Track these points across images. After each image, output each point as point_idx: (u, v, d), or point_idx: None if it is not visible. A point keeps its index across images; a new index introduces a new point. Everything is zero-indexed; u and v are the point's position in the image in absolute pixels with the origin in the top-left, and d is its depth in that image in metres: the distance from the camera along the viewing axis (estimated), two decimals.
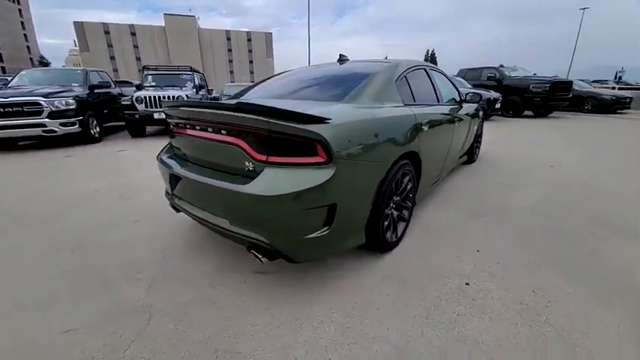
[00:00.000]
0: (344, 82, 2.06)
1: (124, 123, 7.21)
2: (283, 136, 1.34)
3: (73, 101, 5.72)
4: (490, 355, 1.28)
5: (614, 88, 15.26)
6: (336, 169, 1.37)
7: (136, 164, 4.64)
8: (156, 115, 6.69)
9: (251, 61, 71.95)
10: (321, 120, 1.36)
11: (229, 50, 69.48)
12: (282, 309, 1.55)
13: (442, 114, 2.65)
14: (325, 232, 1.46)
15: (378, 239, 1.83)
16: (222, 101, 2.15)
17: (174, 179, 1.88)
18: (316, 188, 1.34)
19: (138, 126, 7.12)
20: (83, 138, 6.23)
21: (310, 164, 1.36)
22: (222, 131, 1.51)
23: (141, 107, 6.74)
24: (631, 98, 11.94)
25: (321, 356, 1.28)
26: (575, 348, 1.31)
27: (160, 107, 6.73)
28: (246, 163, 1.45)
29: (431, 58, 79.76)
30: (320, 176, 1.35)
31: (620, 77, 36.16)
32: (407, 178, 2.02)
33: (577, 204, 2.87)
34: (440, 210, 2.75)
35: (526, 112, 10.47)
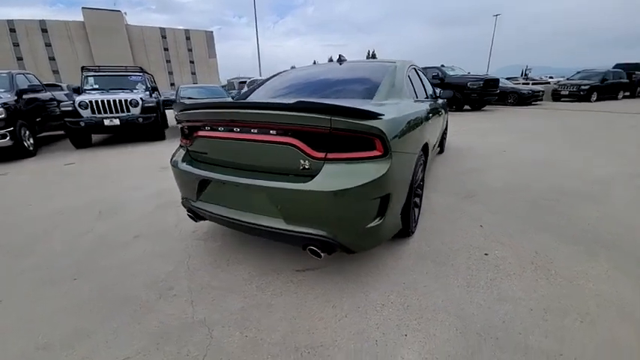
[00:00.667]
0: (364, 80, 2.17)
1: (62, 132, 6.30)
2: (344, 132, 1.40)
3: (1, 109, 4.81)
4: (528, 306, 1.52)
5: (528, 84, 18.00)
6: (391, 162, 1.48)
7: (97, 178, 4.13)
8: (107, 122, 5.98)
9: (192, 61, 67.48)
10: (377, 116, 1.45)
11: (166, 49, 64.11)
12: (341, 300, 1.61)
13: (434, 108, 2.93)
14: (380, 222, 1.56)
15: (408, 225, 1.99)
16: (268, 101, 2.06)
17: (202, 185, 1.79)
18: (377, 180, 1.43)
19: (83, 135, 6.29)
20: (15, 152, 5.29)
21: (369, 158, 1.45)
22: (272, 131, 1.50)
23: (86, 113, 5.96)
24: (543, 91, 14.28)
25: (396, 334, 1.38)
26: (584, 290, 1.62)
27: (112, 112, 6.05)
28: (302, 161, 1.47)
29: (372, 57, 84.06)
30: (380, 169, 1.44)
31: (526, 74, 42.56)
32: (420, 168, 2.22)
33: (536, 179, 3.43)
34: (434, 196, 3.04)
35: (465, 107, 11.82)
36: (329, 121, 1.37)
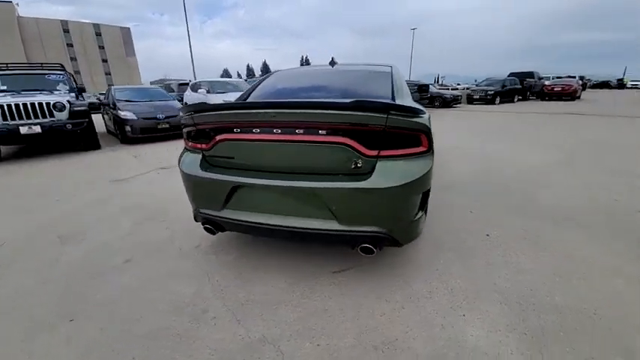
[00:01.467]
0: (375, 82, 2.25)
1: None
2: (396, 130, 1.45)
3: None
4: (542, 274, 1.79)
5: (448, 89, 20.70)
6: (433, 157, 1.59)
7: (34, 198, 3.35)
8: (24, 130, 4.87)
9: (105, 60, 59.03)
10: (424, 113, 1.54)
11: (70, 45, 54.77)
12: (391, 294, 1.66)
13: None
14: (422, 215, 1.66)
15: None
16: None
17: (232, 192, 1.64)
18: (426, 175, 1.52)
19: None
20: None
21: (416, 154, 1.53)
22: (322, 131, 1.47)
23: None
24: (461, 96, 16.62)
25: (456, 316, 1.49)
26: (574, 256, 1.98)
27: (30, 118, 4.95)
28: (354, 160, 1.48)
29: (306, 62, 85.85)
30: (427, 164, 1.54)
31: (441, 81, 48.64)
32: None
33: (495, 170, 4.00)
34: None
35: None
36: (385, 119, 1.41)
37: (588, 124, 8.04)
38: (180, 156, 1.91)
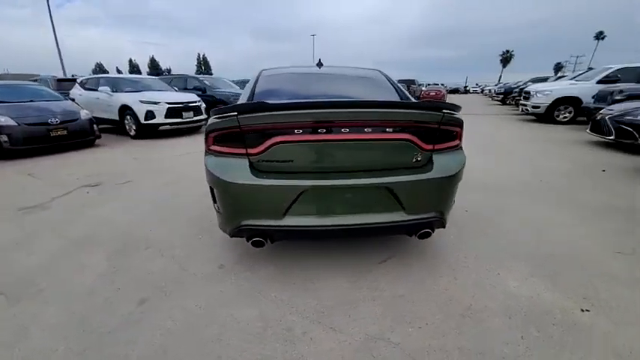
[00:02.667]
0: (381, 84, 2.41)
1: None
2: (447, 126, 1.67)
3: None
4: (553, 240, 2.35)
5: None
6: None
7: None
8: None
9: None
10: (459, 110, 1.80)
11: None
12: (438, 271, 1.88)
13: None
14: (454, 199, 1.94)
15: None
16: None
17: (297, 197, 1.54)
18: (464, 164, 1.80)
19: None
20: None
21: (456, 146, 1.78)
22: (389, 129, 1.55)
23: None
24: None
25: (495, 275, 1.83)
26: (571, 232, 2.65)
27: None
28: (415, 154, 1.63)
29: (204, 62, 79.54)
30: (463, 154, 1.81)
31: None
32: None
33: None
34: None
35: None
36: (441, 116, 1.61)
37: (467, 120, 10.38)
38: (209, 164, 1.65)
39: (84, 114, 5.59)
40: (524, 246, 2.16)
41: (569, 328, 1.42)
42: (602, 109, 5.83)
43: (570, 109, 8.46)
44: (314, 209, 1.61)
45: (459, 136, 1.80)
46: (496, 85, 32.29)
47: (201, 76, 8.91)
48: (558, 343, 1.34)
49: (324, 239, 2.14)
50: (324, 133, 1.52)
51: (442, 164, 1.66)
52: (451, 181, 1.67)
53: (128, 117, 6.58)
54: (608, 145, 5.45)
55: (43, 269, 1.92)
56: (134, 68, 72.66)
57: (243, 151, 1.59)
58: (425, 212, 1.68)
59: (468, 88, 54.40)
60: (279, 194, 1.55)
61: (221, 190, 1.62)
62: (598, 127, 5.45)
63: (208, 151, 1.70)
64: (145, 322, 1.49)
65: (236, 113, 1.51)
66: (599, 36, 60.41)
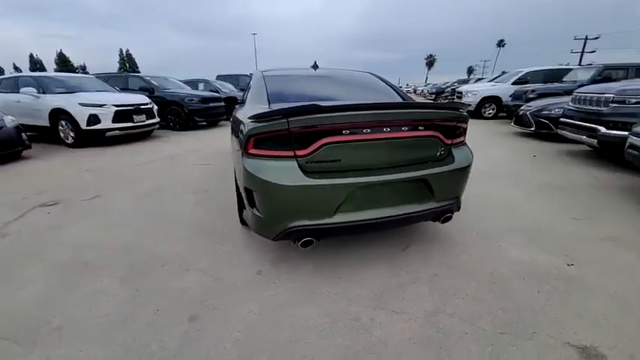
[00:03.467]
0: (382, 85, 2.60)
1: None
2: (462, 123, 1.92)
3: None
4: (509, 210, 2.80)
5: None
6: None
7: None
8: None
9: None
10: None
11: None
12: (455, 250, 2.15)
13: None
14: None
15: None
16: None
17: (347, 194, 1.63)
18: (473, 156, 2.08)
19: None
20: None
21: (464, 141, 2.06)
22: (420, 127, 1.74)
23: None
24: None
25: (497, 247, 2.17)
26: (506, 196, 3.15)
27: None
28: (439, 149, 1.85)
29: (128, 59, 71.15)
30: (469, 147, 2.10)
31: None
32: None
33: None
34: None
35: None
36: (459, 115, 1.86)
37: None
38: (251, 168, 1.62)
39: (9, 120, 4.64)
40: (508, 221, 2.58)
41: (567, 280, 1.80)
42: (520, 105, 7.08)
43: (493, 106, 9.97)
44: (362, 204, 1.71)
45: (465, 132, 2.08)
46: (426, 86, 35.78)
47: (147, 76, 8.05)
48: (565, 292, 1.70)
49: (368, 232, 2.25)
50: (369, 132, 1.64)
51: (460, 156, 1.92)
52: (468, 170, 1.94)
53: (63, 122, 5.64)
54: (530, 135, 6.63)
55: (44, 303, 1.64)
56: (36, 65, 61.11)
57: (290, 153, 1.61)
58: (449, 199, 1.92)
59: (401, 87, 59.53)
60: (333, 193, 1.61)
61: (268, 193, 1.62)
62: (521, 121, 6.60)
63: (247, 155, 1.67)
64: (207, 337, 1.42)
65: (287, 116, 1.52)
66: (501, 43, 71.52)
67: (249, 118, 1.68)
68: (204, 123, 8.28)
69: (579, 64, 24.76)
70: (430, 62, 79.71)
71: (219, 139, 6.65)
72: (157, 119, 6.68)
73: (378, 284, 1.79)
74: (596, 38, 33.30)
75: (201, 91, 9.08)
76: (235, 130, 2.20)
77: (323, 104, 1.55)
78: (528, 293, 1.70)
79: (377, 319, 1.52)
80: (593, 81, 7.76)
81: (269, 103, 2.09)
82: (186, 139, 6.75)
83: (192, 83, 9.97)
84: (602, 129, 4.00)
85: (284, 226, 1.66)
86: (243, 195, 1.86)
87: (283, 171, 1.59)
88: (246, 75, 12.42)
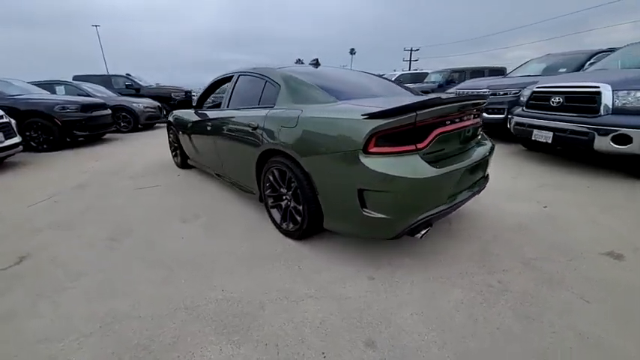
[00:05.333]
0: (389, 81, 2.79)
1: None
2: (479, 111, 2.36)
3: None
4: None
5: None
6: None
7: None
8: None
9: None
10: None
11: None
12: (466, 234, 2.64)
13: None
14: None
15: None
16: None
17: (458, 179, 1.80)
18: None
19: None
20: None
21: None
22: (476, 115, 2.08)
23: None
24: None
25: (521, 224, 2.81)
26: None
27: None
28: (480, 132, 2.25)
29: None
30: None
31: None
32: None
33: None
34: None
35: None
36: (484, 103, 2.29)
37: None
38: (377, 167, 1.55)
39: None
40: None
41: (555, 218, 2.54)
42: None
43: None
44: (459, 187, 1.90)
45: None
46: None
47: None
48: (561, 226, 2.41)
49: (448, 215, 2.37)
50: (458, 122, 1.84)
51: (487, 138, 2.38)
52: (494, 148, 2.43)
53: None
54: None
55: None
56: None
57: (412, 147, 1.63)
58: (486, 174, 2.35)
59: None
60: (451, 180, 1.74)
61: (400, 189, 1.59)
62: None
63: (367, 154, 1.58)
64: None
65: (417, 110, 1.54)
66: (352, 51, 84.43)
67: (363, 115, 1.58)
68: (81, 138, 6.27)
69: (409, 69, 32.64)
70: None
71: (130, 150, 5.27)
72: (17, 138, 4.63)
73: (457, 264, 2.02)
74: (417, 50, 44.45)
75: (79, 97, 6.82)
76: (278, 134, 2.06)
77: (443, 97, 1.64)
78: (543, 229, 2.33)
79: (486, 293, 1.76)
80: (447, 81, 10.46)
81: (337, 99, 1.98)
82: (77, 160, 4.99)
83: (48, 86, 7.31)
84: (485, 115, 5.58)
85: (413, 219, 1.66)
86: (347, 199, 1.71)
87: (411, 165, 1.60)
88: (122, 76, 10.08)
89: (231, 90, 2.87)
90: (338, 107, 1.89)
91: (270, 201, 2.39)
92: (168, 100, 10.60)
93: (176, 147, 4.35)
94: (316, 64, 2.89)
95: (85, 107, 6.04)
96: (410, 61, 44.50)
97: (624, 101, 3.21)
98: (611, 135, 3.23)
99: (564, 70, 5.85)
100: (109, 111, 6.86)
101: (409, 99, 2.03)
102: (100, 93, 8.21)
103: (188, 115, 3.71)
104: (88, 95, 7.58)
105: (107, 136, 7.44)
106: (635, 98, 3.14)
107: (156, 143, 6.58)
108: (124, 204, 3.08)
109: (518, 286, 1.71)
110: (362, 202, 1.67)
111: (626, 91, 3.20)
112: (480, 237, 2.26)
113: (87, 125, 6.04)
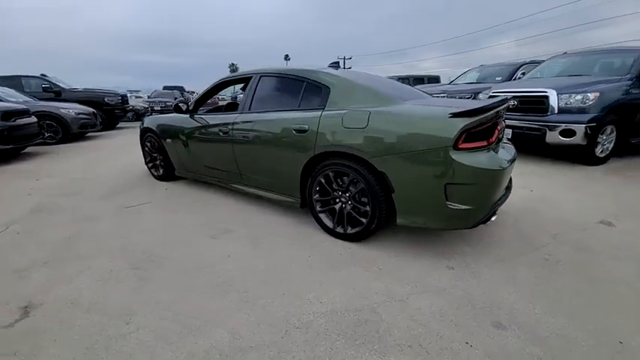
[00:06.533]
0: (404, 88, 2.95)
1: None
2: None
3: None
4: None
5: None
6: None
7: None
8: None
9: None
10: None
11: None
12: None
13: None
14: None
15: None
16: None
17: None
18: None
19: None
20: None
21: None
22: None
23: None
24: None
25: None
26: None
27: None
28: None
29: None
30: None
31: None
32: None
33: None
34: None
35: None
36: None
37: None
38: (468, 161, 1.68)
39: None
40: None
41: (545, 199, 3.05)
42: None
43: None
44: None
45: None
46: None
47: None
48: (553, 205, 2.91)
49: None
50: (503, 121, 2.10)
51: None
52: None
53: None
54: None
55: None
56: None
57: (485, 143, 1.79)
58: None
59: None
60: (510, 170, 1.97)
61: (487, 181, 1.75)
62: None
63: (458, 150, 1.69)
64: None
65: (498, 108, 1.72)
66: (286, 57, 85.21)
67: (451, 113, 1.69)
68: None
69: None
70: (233, 70, 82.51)
71: (75, 165, 4.40)
72: None
73: (488, 257, 2.30)
74: (350, 58, 47.30)
75: None
76: (341, 135, 2.04)
77: (497, 100, 1.86)
78: (543, 209, 2.78)
79: (515, 281, 2.05)
80: None
81: (400, 100, 2.04)
82: (5, 180, 3.93)
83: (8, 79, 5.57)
84: None
85: (491, 209, 1.83)
86: (432, 194, 1.79)
87: (493, 158, 1.78)
88: (36, 77, 8.28)
89: (252, 92, 2.66)
90: (413, 108, 1.95)
91: (318, 205, 2.31)
92: (101, 105, 9.12)
93: (155, 157, 3.81)
94: (337, 66, 2.90)
95: (6, 115, 4.81)
96: (344, 68, 47.05)
97: (567, 102, 4.04)
98: (558, 129, 4.01)
99: (500, 78, 7.01)
100: (34, 119, 5.59)
101: (475, 102, 2.21)
102: (14, 97, 6.61)
103: (180, 120, 3.29)
104: (0, 100, 6.03)
105: (28, 149, 6.02)
106: (575, 100, 3.97)
107: (104, 155, 5.61)
108: (119, 227, 2.57)
109: (563, 256, 2.02)
110: (447, 196, 1.76)
111: (567, 94, 4.03)
112: (505, 221, 2.58)
113: (9, 136, 4.81)
